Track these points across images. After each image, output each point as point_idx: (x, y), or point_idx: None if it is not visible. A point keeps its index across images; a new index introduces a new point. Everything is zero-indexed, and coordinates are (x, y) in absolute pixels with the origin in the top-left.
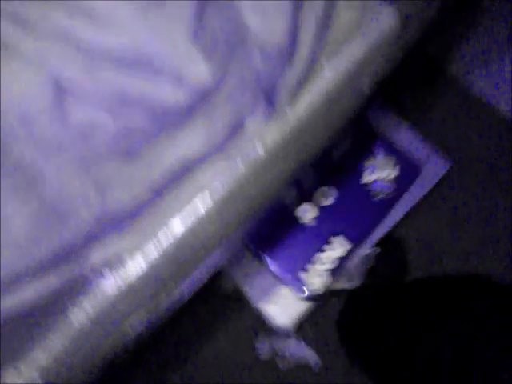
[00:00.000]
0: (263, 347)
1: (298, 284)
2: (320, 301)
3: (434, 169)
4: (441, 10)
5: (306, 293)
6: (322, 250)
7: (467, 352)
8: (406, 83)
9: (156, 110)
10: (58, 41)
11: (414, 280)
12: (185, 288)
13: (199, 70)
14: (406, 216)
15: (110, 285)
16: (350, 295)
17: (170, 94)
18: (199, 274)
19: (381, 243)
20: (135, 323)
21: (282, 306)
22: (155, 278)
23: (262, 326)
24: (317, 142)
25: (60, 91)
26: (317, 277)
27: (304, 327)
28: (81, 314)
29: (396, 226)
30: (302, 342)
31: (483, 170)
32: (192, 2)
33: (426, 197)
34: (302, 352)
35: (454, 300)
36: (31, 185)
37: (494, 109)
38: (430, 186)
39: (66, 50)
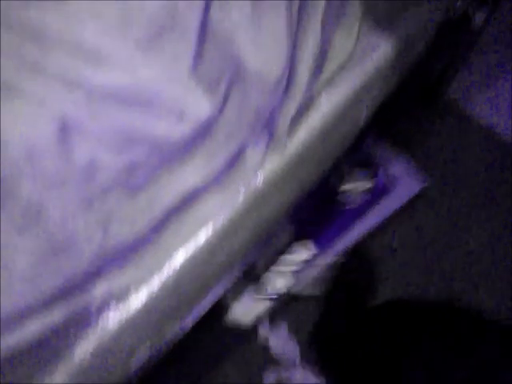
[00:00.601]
0: (270, 377)
1: (260, 283)
2: (280, 302)
3: (408, 186)
4: (437, 37)
5: (268, 292)
6: (288, 252)
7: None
8: (405, 107)
9: (158, 144)
10: (61, 81)
11: (397, 299)
12: (188, 319)
13: (199, 105)
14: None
15: (114, 318)
16: (325, 307)
17: (172, 129)
18: (202, 305)
19: (352, 253)
20: (139, 356)
21: (243, 303)
22: (159, 310)
23: (268, 355)
24: (315, 170)
25: (64, 129)
26: (280, 278)
27: (311, 355)
28: (85, 347)
29: (369, 237)
30: (308, 371)
31: (481, 188)
32: (192, 41)
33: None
34: (307, 380)
35: (430, 323)
36: (35, 220)
37: (492, 131)
38: (402, 202)
39: (69, 89)
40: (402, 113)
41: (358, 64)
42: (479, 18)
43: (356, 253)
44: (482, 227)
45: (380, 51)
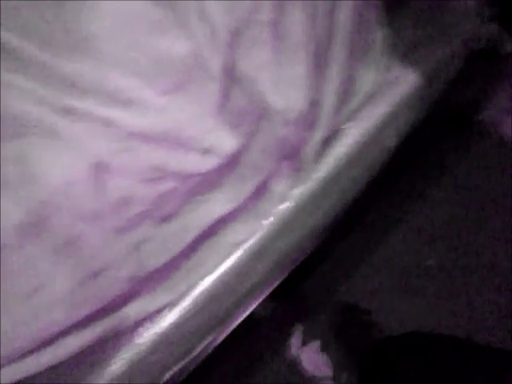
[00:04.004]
0: None
1: None
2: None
3: None
4: (466, 64)
5: None
6: None
7: None
8: (436, 134)
9: (187, 176)
10: (95, 123)
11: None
12: (219, 336)
13: (226, 140)
14: None
15: (147, 337)
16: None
17: (200, 163)
18: (233, 323)
19: None
20: (170, 373)
21: None
22: (190, 330)
23: (298, 369)
24: (341, 198)
25: (98, 167)
26: None
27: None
28: (119, 364)
29: None
30: None
31: None
32: (217, 82)
33: None
34: None
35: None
36: (72, 249)
37: None
38: None
39: (104, 132)
40: (435, 138)
41: (385, 95)
42: (508, 44)
43: None
44: None
45: (406, 82)
